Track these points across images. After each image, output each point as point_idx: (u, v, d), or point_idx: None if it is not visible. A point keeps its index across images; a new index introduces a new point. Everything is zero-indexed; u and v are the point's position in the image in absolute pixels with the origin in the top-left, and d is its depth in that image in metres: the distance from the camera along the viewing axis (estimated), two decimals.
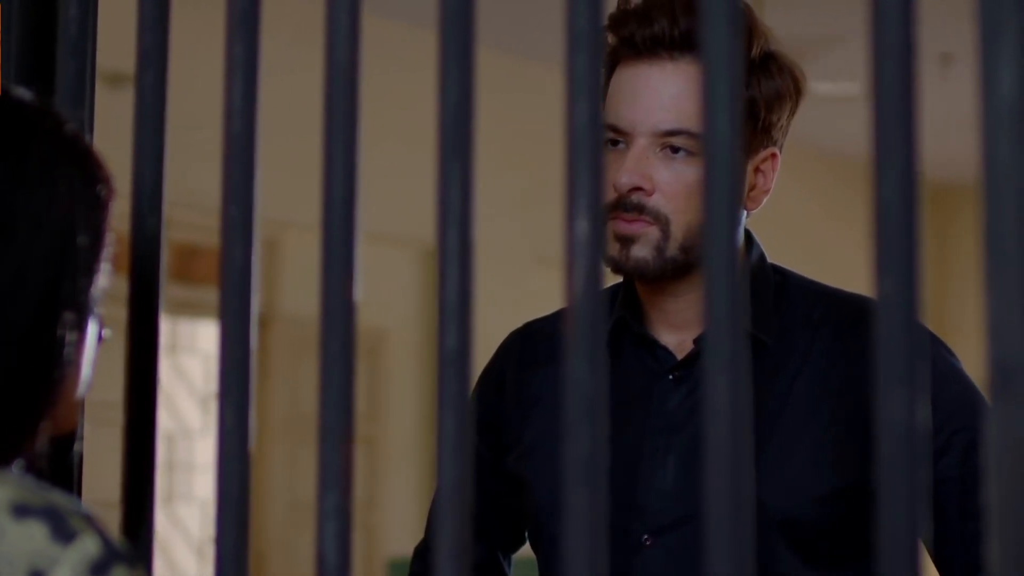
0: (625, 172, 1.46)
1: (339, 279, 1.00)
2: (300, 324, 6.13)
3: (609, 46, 1.52)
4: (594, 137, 0.90)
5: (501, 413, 1.62)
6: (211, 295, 5.97)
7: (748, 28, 1.47)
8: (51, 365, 0.93)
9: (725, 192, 0.85)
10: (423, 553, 1.71)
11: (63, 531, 0.86)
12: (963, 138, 7.99)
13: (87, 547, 0.86)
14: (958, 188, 9.03)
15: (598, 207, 0.90)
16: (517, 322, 1.71)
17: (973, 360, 1.55)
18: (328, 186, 1.00)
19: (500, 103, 6.32)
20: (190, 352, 6.45)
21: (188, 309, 6.10)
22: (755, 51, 1.48)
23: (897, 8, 0.79)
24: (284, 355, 6.17)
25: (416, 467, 6.75)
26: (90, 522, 0.88)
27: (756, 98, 1.48)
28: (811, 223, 8.52)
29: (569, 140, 0.90)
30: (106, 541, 0.87)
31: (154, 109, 1.13)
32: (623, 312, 1.55)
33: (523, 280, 6.75)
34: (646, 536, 1.48)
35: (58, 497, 0.89)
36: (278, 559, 6.11)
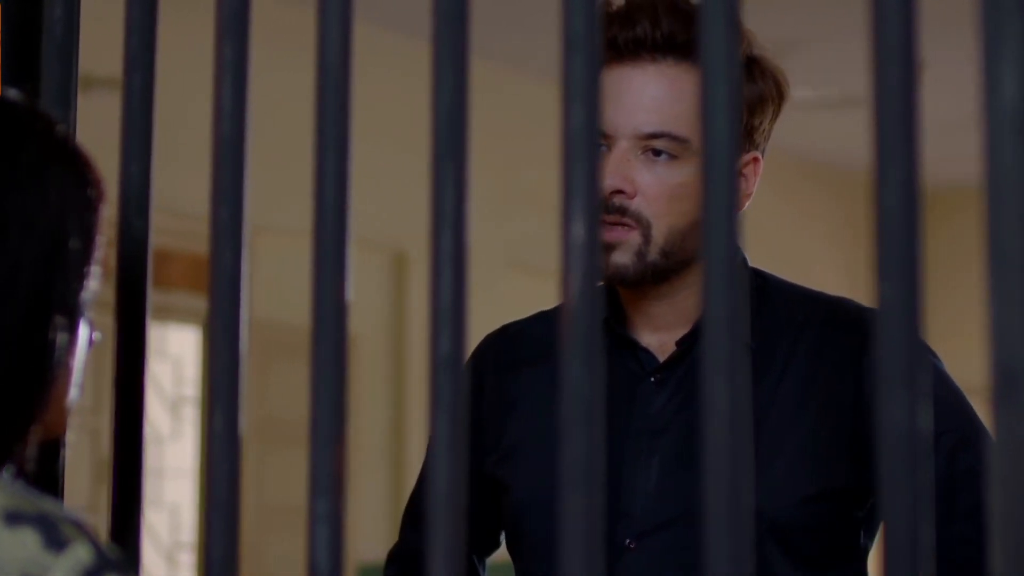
0: (607, 175, 1.46)
1: (330, 282, 0.99)
2: (270, 328, 6.11)
3: None
4: (590, 140, 0.90)
5: (479, 416, 1.61)
6: (180, 300, 5.94)
7: None
8: (42, 368, 0.92)
9: (724, 194, 0.85)
10: (397, 557, 1.70)
11: (55, 539, 0.85)
12: (933, 143, 8.03)
13: (79, 555, 0.85)
14: (928, 192, 9.08)
15: (594, 210, 0.90)
16: (491, 328, 1.70)
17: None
18: (320, 190, 0.99)
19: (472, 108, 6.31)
20: (160, 357, 6.42)
21: (157, 313, 6.07)
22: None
23: (898, 11, 0.79)
24: (253, 359, 6.14)
25: (386, 472, 6.73)
26: (82, 529, 0.87)
27: None
28: (777, 226, 8.54)
29: (565, 143, 0.90)
30: (98, 549, 0.86)
31: (142, 112, 1.13)
32: (604, 315, 1.55)
33: (496, 286, 6.74)
34: (629, 540, 1.48)
35: (49, 504, 0.88)
36: (246, 563, 6.08)
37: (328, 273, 0.99)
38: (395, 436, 6.70)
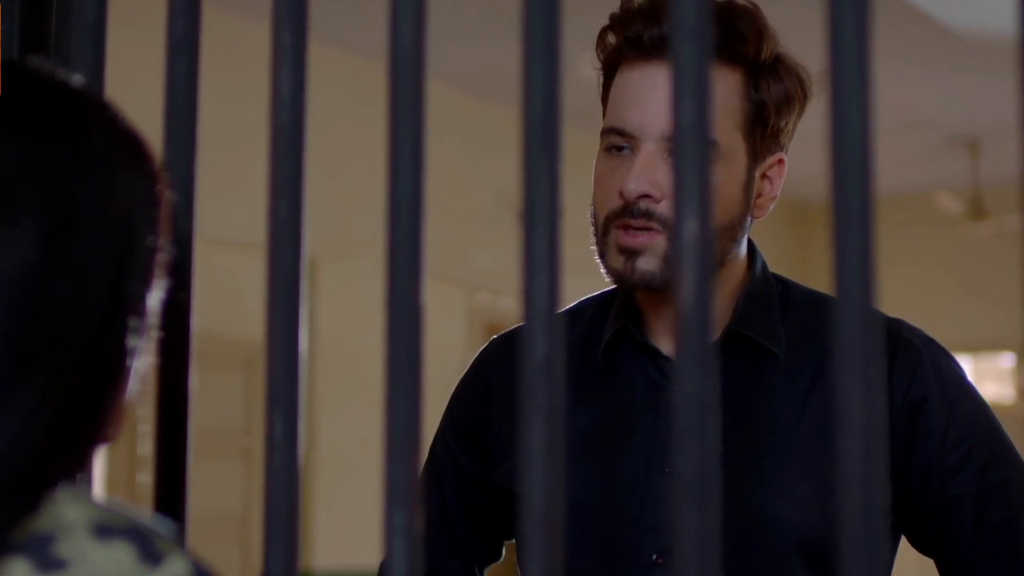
0: (633, 178, 1.41)
1: (405, 288, 0.94)
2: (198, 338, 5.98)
3: (611, 46, 1.47)
4: (701, 134, 0.86)
5: (488, 424, 1.55)
6: None
7: (758, 29, 1.43)
8: (116, 374, 0.85)
9: (858, 188, 0.81)
10: None
11: (150, 552, 0.78)
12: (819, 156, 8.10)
13: (176, 569, 0.79)
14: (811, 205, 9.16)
15: (708, 207, 0.85)
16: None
17: None
18: (393, 194, 0.94)
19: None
20: None
21: None
22: (765, 53, 1.43)
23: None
24: None
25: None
26: (176, 543, 0.81)
27: (765, 102, 1.43)
28: None
29: (676, 138, 0.85)
30: (195, 562, 0.80)
31: (186, 100, 1.06)
32: (624, 321, 1.49)
33: None
34: (656, 555, 1.42)
35: (139, 517, 0.82)
36: None
37: (404, 279, 0.93)
38: (302, 443, 6.60)
